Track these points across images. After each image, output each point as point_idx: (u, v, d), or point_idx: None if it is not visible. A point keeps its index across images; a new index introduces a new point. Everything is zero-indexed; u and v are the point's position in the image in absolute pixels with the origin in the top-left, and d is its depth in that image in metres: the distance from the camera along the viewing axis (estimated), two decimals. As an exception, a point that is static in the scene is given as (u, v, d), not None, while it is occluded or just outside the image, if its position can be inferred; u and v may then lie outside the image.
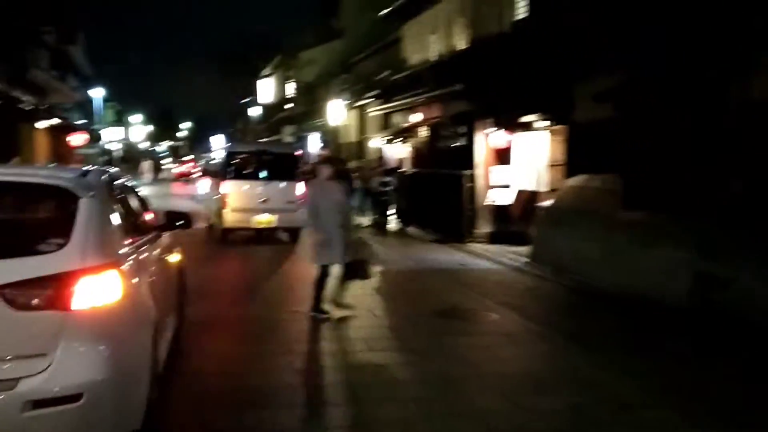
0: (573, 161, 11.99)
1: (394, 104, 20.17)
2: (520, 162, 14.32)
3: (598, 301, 8.73)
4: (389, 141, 21.61)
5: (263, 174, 14.19)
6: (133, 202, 5.28)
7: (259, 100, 46.37)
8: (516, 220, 13.98)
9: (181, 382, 5.30)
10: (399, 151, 20.53)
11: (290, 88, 40.35)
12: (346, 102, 24.41)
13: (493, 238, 13.90)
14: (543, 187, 13.24)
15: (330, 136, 27.36)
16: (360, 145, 25.20)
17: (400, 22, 21.57)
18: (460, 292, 9.37)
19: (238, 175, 14.09)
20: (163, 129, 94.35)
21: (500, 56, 14.04)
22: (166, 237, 6.04)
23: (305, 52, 37.31)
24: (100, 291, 3.51)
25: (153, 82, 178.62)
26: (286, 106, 39.64)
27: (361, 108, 24.50)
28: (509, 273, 11.00)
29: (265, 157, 14.72)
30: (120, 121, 66.07)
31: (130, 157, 52.95)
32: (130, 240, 4.37)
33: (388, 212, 17.26)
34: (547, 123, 12.98)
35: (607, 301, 8.54)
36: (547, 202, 11.86)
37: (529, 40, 13.15)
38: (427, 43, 19.73)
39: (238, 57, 53.83)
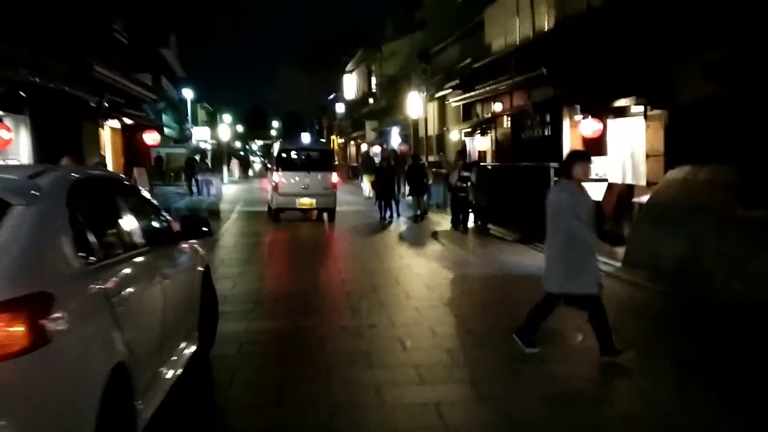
0: (674, 150, 10.45)
1: (475, 94, 18.84)
2: (613, 152, 12.79)
3: (712, 316, 7.25)
4: (469, 133, 20.32)
5: (305, 166, 17.94)
6: (126, 210, 4.31)
7: (344, 95, 45.84)
8: (608, 218, 12.45)
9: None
10: (480, 144, 19.21)
11: (373, 83, 39.57)
12: (426, 93, 23.25)
13: (582, 238, 12.48)
14: (639, 181, 11.69)
15: (410, 130, 26.29)
16: (440, 139, 24.00)
17: (483, 4, 20.20)
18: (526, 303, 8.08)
19: (286, 167, 17.73)
20: (255, 128, 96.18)
21: (589, 35, 12.56)
22: (180, 247, 5.14)
23: (387, 45, 36.44)
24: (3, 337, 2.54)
25: (243, 82, 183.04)
26: (370, 101, 38.87)
27: (441, 99, 23.28)
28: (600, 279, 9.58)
29: (307, 153, 18.92)
30: (212, 120, 67.56)
31: (221, 156, 53.62)
32: (100, 258, 3.43)
33: (468, 209, 16.02)
34: (643, 107, 11.43)
35: (725, 315, 7.06)
36: (645, 198, 10.38)
37: (622, 14, 11.62)
38: (510, 26, 18.28)
39: (323, 53, 53.58)
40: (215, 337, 6.02)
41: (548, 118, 14.48)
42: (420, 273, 10.09)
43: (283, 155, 18.36)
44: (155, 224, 4.88)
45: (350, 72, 44.55)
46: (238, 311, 7.53)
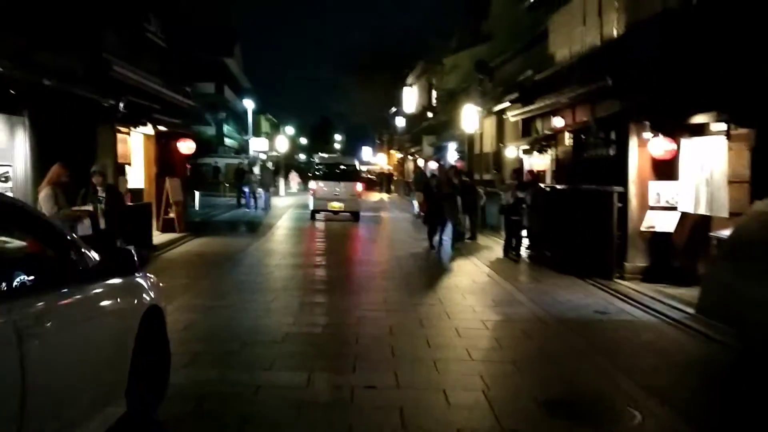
0: (762, 176, 8.75)
1: (535, 108, 17.28)
2: (686, 177, 11.09)
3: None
4: (527, 151, 18.73)
5: (336, 177, 22.57)
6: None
7: (404, 109, 44.68)
8: (680, 253, 10.77)
9: None
10: (538, 163, 17.59)
11: (433, 97, 38.29)
12: (483, 107, 21.74)
13: (648, 275, 10.81)
14: (718, 211, 9.95)
15: (465, 146, 24.84)
16: (496, 156, 22.44)
17: (548, 11, 18.66)
18: (592, 360, 6.53)
19: (321, 177, 22.73)
20: (319, 141, 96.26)
21: (663, 40, 10.92)
22: (98, 287, 3.93)
23: (449, 58, 35.17)
24: None
25: (312, 95, 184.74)
26: (429, 115, 37.60)
27: (499, 114, 21.75)
28: (666, 330, 7.95)
29: (337, 166, 23.95)
30: (276, 132, 67.59)
31: (279, 168, 53.31)
32: None
33: (521, 234, 14.44)
34: (726, 125, 9.73)
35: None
36: (725, 232, 8.66)
37: (703, 15, 9.98)
38: (576, 34, 16.67)
39: (388, 66, 52.77)
40: (165, 391, 4.80)
41: (613, 135, 12.84)
42: (452, 312, 8.65)
43: (319, 168, 23.62)
44: (54, 261, 3.69)
45: (410, 85, 43.40)
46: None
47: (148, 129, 15.82)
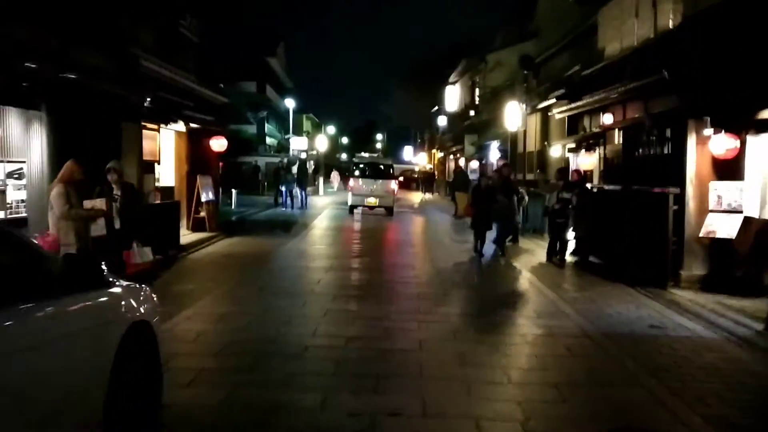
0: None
1: (582, 104, 16.35)
2: (752, 177, 10.13)
3: None
4: (574, 149, 17.79)
5: (371, 175, 24.47)
6: None
7: (446, 108, 43.82)
8: (743, 261, 9.81)
9: None
10: (585, 162, 16.64)
11: (476, 95, 37.39)
12: (528, 105, 20.83)
13: (707, 285, 9.90)
14: (789, 215, 9.01)
15: (508, 145, 23.95)
16: (540, 155, 21.52)
17: (597, 5, 17.68)
18: (646, 385, 5.72)
19: (359, 176, 24.65)
20: (362, 141, 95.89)
21: (725, 31, 10.00)
22: (63, 302, 3.32)
23: (493, 55, 34.25)
24: None
25: (356, 96, 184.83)
26: (471, 114, 36.72)
27: (544, 111, 20.84)
28: (731, 349, 7.06)
29: (374, 165, 25.91)
30: (316, 132, 67.38)
31: (319, 167, 53.01)
32: None
33: (567, 237, 13.54)
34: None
35: None
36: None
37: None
38: (628, 27, 15.69)
39: (431, 66, 52.03)
40: (155, 419, 4.19)
41: (668, 133, 11.88)
42: (490, 325, 7.92)
43: (357, 167, 25.51)
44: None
45: (453, 84, 42.52)
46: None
47: (180, 126, 15.41)
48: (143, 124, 12.34)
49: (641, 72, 12.92)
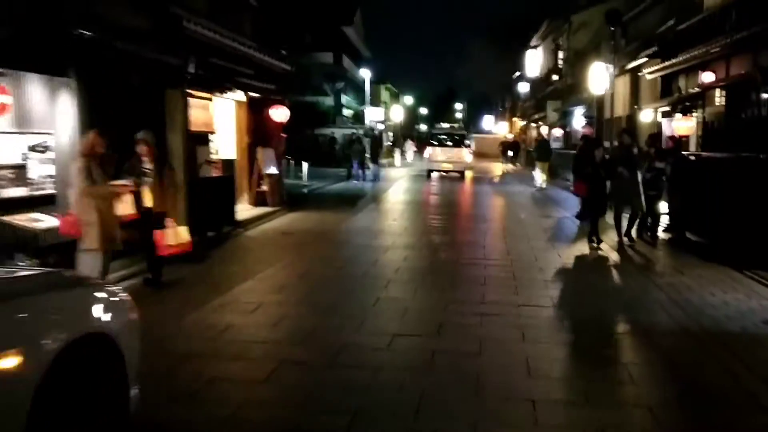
0: None
1: (678, 61, 14.64)
2: None
3: None
4: (668, 113, 16.02)
5: (447, 143, 27.55)
6: None
7: (527, 74, 41.75)
8: None
9: None
10: (681, 127, 14.86)
11: (559, 59, 35.29)
12: (615, 66, 18.99)
13: (835, 270, 8.29)
14: None
15: (594, 111, 22.15)
16: (629, 120, 19.69)
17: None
18: (763, 408, 4.45)
19: (435, 143, 27.52)
20: (442, 110, 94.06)
21: None
22: None
23: (578, 15, 32.14)
24: None
25: (435, 63, 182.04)
26: (554, 79, 34.73)
27: (634, 72, 19.01)
28: None
29: (448, 134, 29.20)
30: (395, 102, 66.30)
31: (397, 138, 52.05)
32: None
33: (660, 211, 11.98)
34: None
35: None
36: None
37: None
38: (731, -28, 13.81)
39: (513, 28, 49.86)
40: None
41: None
42: (567, 320, 6.72)
43: (434, 137, 28.61)
44: None
45: (535, 48, 40.40)
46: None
47: (239, 95, 14.63)
48: (192, 92, 11.54)
49: (750, 19, 11.19)
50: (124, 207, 7.40)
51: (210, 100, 12.71)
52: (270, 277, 8.41)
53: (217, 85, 12.48)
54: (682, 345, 5.84)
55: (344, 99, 54.03)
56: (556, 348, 5.68)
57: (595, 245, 10.74)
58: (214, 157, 14.94)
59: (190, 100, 11.31)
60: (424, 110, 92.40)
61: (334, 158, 37.39)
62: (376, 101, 56.56)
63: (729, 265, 8.97)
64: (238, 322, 6.27)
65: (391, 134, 58.84)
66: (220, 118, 14.89)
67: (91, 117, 8.32)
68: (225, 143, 15.17)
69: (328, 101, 49.85)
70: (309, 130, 42.16)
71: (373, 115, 46.04)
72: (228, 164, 15.13)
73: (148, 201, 7.62)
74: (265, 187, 15.15)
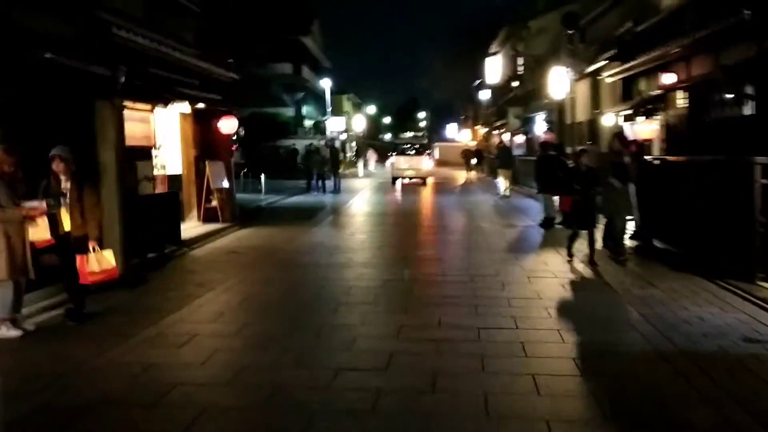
0: None
1: (638, 63, 14.26)
2: None
3: None
4: (629, 117, 15.68)
5: (409, 152, 30.90)
6: None
7: (488, 81, 41.48)
8: None
9: None
10: (643, 131, 14.51)
11: (519, 65, 35.04)
12: (574, 70, 18.64)
13: (810, 277, 7.85)
14: None
15: (555, 116, 21.82)
16: (591, 125, 19.35)
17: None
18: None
19: (398, 153, 30.99)
20: (405, 119, 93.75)
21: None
22: None
23: (535, 20, 31.90)
24: None
25: (398, 73, 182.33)
26: (514, 85, 34.47)
27: (594, 76, 18.66)
28: None
29: (410, 143, 34.07)
30: (357, 112, 65.72)
31: (360, 148, 51.53)
32: None
33: (627, 217, 11.49)
34: None
35: None
36: None
37: None
38: (689, -29, 13.49)
39: (473, 37, 49.67)
40: None
41: (749, 89, 9.79)
42: (529, 343, 6.11)
43: (396, 146, 33.01)
44: None
45: (494, 54, 40.17)
46: None
47: (184, 106, 13.86)
48: (128, 104, 10.78)
49: (710, 18, 10.82)
50: (38, 231, 6.64)
51: (150, 112, 11.95)
52: (208, 303, 7.68)
53: (156, 96, 11.69)
54: (656, 370, 5.26)
55: (305, 110, 53.26)
56: (519, 380, 5.05)
57: (569, 258, 10.16)
58: (158, 172, 14.17)
59: (126, 112, 10.55)
60: (388, 120, 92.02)
61: (295, 170, 36.64)
62: (338, 111, 55.88)
63: (701, 274, 8.50)
64: (162, 360, 5.55)
65: (354, 144, 58.24)
66: (163, 131, 14.13)
67: (5, 132, 7.53)
68: (171, 157, 14.41)
69: (289, 112, 49.09)
70: (269, 141, 41.36)
71: (334, 126, 45.39)
72: (174, 179, 14.38)
73: (65, 224, 6.85)
74: (214, 203, 14.38)
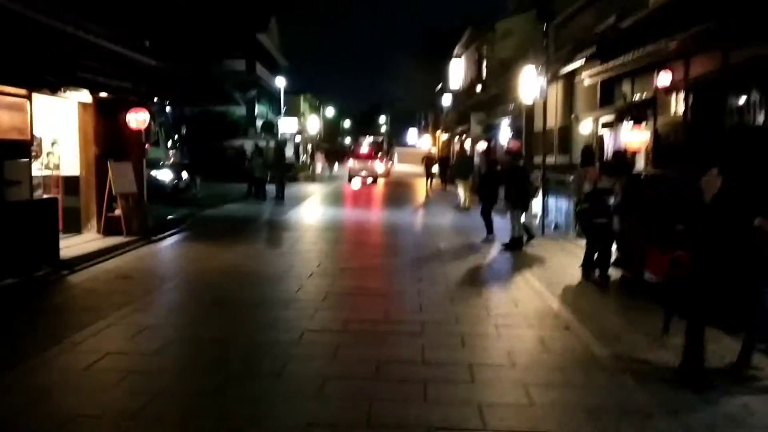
0: None
1: (622, 63, 12.25)
2: None
3: None
4: (610, 124, 13.72)
5: (364, 156, 37.34)
6: None
7: (450, 85, 39.54)
8: None
9: None
10: (629, 140, 12.50)
11: (483, 69, 33.16)
12: (547, 71, 16.58)
13: None
14: None
15: (522, 122, 19.85)
16: (564, 133, 17.37)
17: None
18: None
19: (354, 155, 37.79)
20: (366, 123, 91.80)
21: None
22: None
23: (502, 22, 30.10)
24: None
25: (361, 77, 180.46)
26: (478, 89, 32.57)
27: (569, 78, 16.69)
28: None
29: (366, 146, 40.55)
30: (315, 114, 63.41)
31: (313, 150, 49.19)
32: None
33: (610, 245, 9.47)
34: None
35: None
36: None
37: None
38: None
39: (436, 40, 47.94)
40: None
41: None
42: (487, 412, 3.93)
43: (353, 147, 40.19)
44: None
45: (458, 57, 38.25)
46: None
47: (82, 95, 11.44)
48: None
49: (714, 12, 8.91)
50: None
51: (26, 98, 9.46)
52: (47, 363, 5.31)
53: (32, 78, 9.25)
54: None
55: (258, 109, 50.64)
56: None
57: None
58: (48, 173, 11.73)
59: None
60: (348, 123, 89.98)
61: (243, 173, 34.03)
62: (294, 112, 53.41)
63: (712, 323, 6.40)
64: None
65: (309, 146, 55.78)
66: (56, 124, 11.70)
67: None
68: (66, 156, 11.99)
69: (240, 111, 46.45)
70: (216, 141, 38.67)
71: (286, 126, 42.91)
72: (70, 182, 11.96)
73: None
74: (118, 211, 11.93)
